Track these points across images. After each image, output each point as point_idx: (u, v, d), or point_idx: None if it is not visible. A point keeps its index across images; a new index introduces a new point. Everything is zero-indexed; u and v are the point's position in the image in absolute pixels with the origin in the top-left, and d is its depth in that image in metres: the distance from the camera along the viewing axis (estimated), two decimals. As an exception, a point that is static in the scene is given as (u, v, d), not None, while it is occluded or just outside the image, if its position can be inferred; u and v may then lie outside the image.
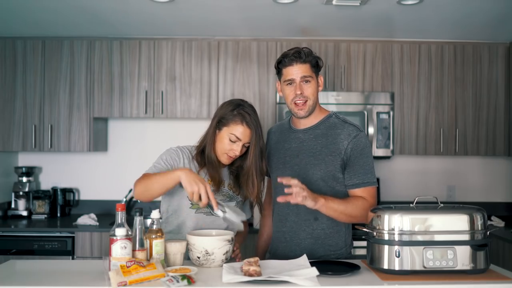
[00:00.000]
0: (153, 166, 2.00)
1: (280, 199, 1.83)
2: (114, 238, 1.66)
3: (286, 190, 1.81)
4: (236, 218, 1.93)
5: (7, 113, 3.80)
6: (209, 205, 1.84)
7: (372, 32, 3.73)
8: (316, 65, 2.03)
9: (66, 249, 3.43)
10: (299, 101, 2.00)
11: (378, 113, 3.72)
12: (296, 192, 1.79)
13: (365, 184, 1.99)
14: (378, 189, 3.97)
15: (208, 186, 1.80)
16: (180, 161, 2.04)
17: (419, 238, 1.69)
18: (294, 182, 1.80)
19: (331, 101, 3.71)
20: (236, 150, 1.99)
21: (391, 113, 3.74)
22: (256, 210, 2.22)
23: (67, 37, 3.82)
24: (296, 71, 1.99)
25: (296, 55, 1.99)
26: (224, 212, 1.88)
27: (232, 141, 1.99)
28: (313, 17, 3.37)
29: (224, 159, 2.03)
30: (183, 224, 2.04)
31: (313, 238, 2.04)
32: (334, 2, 2.98)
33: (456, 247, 1.68)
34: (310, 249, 2.03)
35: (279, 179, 1.84)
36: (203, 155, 2.05)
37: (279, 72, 2.07)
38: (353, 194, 2.02)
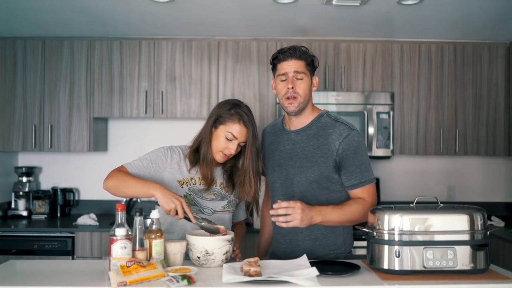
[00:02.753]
0: (135, 163, 2.03)
1: (277, 223, 1.85)
2: (114, 238, 1.66)
3: (275, 212, 1.83)
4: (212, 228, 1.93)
5: (7, 113, 3.80)
6: (186, 218, 1.87)
7: (372, 32, 3.73)
8: (311, 64, 2.04)
9: (66, 249, 3.43)
10: (290, 96, 1.99)
11: (378, 113, 3.72)
12: (291, 216, 1.81)
13: (363, 184, 1.99)
14: (378, 189, 4.00)
15: (184, 202, 1.84)
16: (167, 161, 2.05)
17: (419, 238, 1.69)
18: (284, 205, 1.82)
19: (331, 101, 3.71)
20: (232, 148, 2.01)
21: (391, 113, 3.74)
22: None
23: (67, 37, 3.82)
24: (290, 65, 1.99)
25: (292, 51, 2.00)
26: (200, 222, 1.89)
27: (228, 139, 2.00)
28: (313, 17, 3.37)
29: (219, 157, 2.04)
30: (174, 222, 2.05)
31: (311, 240, 2.05)
32: (334, 2, 2.98)
33: (456, 247, 1.68)
34: (309, 250, 2.04)
35: (274, 207, 1.84)
36: (197, 153, 2.07)
37: (274, 68, 2.07)
38: (352, 195, 2.02)
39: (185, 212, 1.84)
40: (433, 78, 3.86)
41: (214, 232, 1.89)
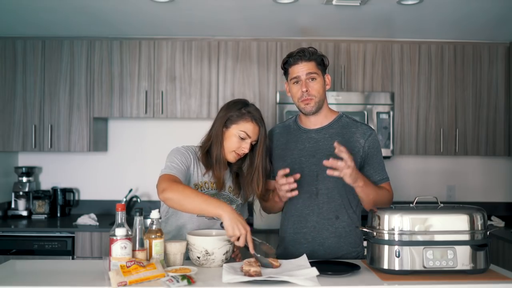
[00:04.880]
0: (171, 166, 1.95)
1: (329, 172, 1.84)
2: (114, 238, 1.66)
3: (330, 164, 1.83)
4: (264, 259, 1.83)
5: (7, 113, 3.80)
6: (245, 246, 1.80)
7: (372, 32, 3.73)
8: (321, 63, 2.07)
9: (66, 249, 3.43)
10: (305, 99, 2.03)
11: (378, 113, 3.72)
12: (344, 165, 1.82)
13: (384, 180, 2.09)
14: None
15: (249, 230, 1.78)
16: (190, 161, 2.02)
17: (419, 238, 1.69)
18: (343, 151, 1.82)
19: (331, 101, 3.71)
20: (245, 147, 2.01)
21: (391, 113, 3.74)
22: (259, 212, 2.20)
23: (67, 37, 3.82)
24: (301, 68, 2.03)
25: (300, 53, 2.04)
26: (257, 254, 1.80)
27: (241, 138, 2.00)
28: (313, 17, 3.37)
29: (232, 157, 2.04)
30: (183, 226, 2.04)
31: (336, 237, 2.06)
32: (334, 2, 2.98)
33: (456, 247, 1.68)
34: (334, 247, 2.05)
35: (336, 146, 1.84)
36: (208, 156, 2.05)
37: (286, 72, 2.11)
38: None
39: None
40: (433, 78, 3.86)
41: (266, 266, 1.78)
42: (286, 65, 2.08)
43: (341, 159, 1.83)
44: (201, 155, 2.06)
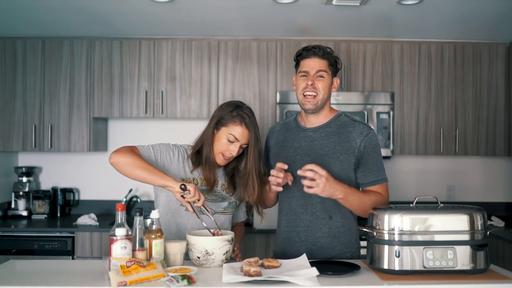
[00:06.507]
0: (147, 148, 2.03)
1: (306, 190, 1.87)
2: (114, 238, 1.66)
3: (304, 182, 1.86)
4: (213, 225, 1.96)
5: (7, 113, 3.80)
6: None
7: (372, 32, 3.73)
8: (334, 65, 2.07)
9: (66, 249, 3.43)
10: (308, 93, 2.02)
11: (378, 113, 3.72)
12: (315, 183, 1.83)
13: (380, 181, 2.05)
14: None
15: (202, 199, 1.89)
16: (174, 157, 2.05)
17: (419, 238, 1.69)
18: (310, 169, 1.83)
19: (331, 101, 3.64)
20: (233, 150, 2.01)
21: (391, 113, 3.74)
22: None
23: (67, 37, 3.82)
24: (313, 64, 2.03)
25: (316, 49, 2.03)
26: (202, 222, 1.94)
27: (230, 141, 2.00)
28: (313, 17, 3.37)
29: (219, 160, 2.04)
30: (173, 221, 2.05)
31: (329, 237, 2.05)
32: (334, 2, 2.98)
33: (456, 247, 1.68)
34: (327, 247, 2.05)
35: (299, 172, 1.86)
36: (199, 155, 2.06)
37: (297, 64, 2.10)
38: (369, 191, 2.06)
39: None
40: (433, 78, 3.86)
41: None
42: (299, 57, 2.07)
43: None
44: (191, 153, 2.07)
